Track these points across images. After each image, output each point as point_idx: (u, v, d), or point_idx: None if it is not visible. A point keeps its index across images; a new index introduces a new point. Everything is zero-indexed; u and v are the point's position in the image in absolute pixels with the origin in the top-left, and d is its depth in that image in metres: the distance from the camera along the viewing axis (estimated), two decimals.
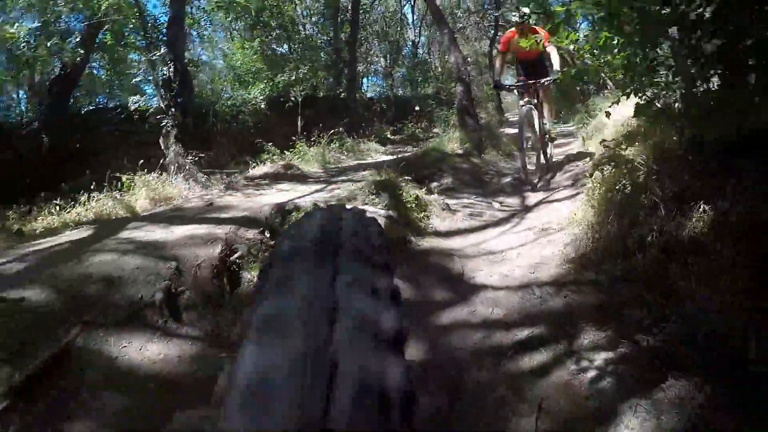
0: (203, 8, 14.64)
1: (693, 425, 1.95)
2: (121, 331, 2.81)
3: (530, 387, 2.42)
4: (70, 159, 10.37)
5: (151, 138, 10.08)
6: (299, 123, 12.33)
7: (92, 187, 7.03)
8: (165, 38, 9.54)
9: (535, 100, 6.95)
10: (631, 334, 2.51)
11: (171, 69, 8.47)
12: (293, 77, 13.49)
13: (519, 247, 4.14)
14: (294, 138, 11.36)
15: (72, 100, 12.50)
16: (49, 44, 10.20)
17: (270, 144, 10.40)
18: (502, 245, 4.36)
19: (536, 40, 5.59)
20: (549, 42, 6.17)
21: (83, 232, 4.91)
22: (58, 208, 6.84)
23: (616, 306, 2.76)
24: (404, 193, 5.32)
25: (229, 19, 15.29)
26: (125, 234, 4.33)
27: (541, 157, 7.25)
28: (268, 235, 4.09)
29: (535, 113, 6.84)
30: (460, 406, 2.39)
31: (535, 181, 6.94)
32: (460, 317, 3.19)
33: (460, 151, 9.09)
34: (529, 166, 6.91)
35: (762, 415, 1.92)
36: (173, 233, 4.17)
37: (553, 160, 7.72)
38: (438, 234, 4.83)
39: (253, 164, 9.38)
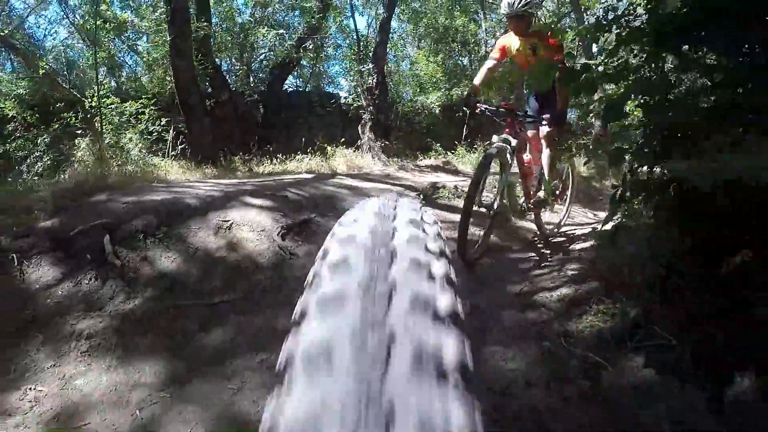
0: (402, 37, 17.56)
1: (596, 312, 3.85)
2: (330, 218, 5.19)
3: (524, 273, 4.42)
4: (276, 126, 13.57)
5: (336, 122, 13.18)
6: (464, 131, 14.64)
7: (308, 150, 10.06)
8: (372, 56, 12.46)
9: (515, 141, 4.52)
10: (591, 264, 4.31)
11: (375, 79, 11.53)
12: (467, 91, 15.58)
13: (579, 234, 6.14)
14: (457, 143, 13.55)
15: None
16: (287, 45, 13.34)
17: (438, 144, 12.95)
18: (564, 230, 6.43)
19: (531, 48, 4.54)
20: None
21: (305, 176, 7.63)
22: (277, 159, 9.82)
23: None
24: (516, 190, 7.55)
25: (419, 34, 18.11)
26: (336, 180, 6.96)
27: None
28: (421, 197, 6.38)
29: (510, 158, 4.49)
30: (498, 269, 4.52)
31: (471, 257, 4.41)
32: (525, 250, 5.33)
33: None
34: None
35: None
36: (365, 184, 6.74)
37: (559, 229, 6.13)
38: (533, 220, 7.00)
39: (421, 157, 12.04)
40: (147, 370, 2.99)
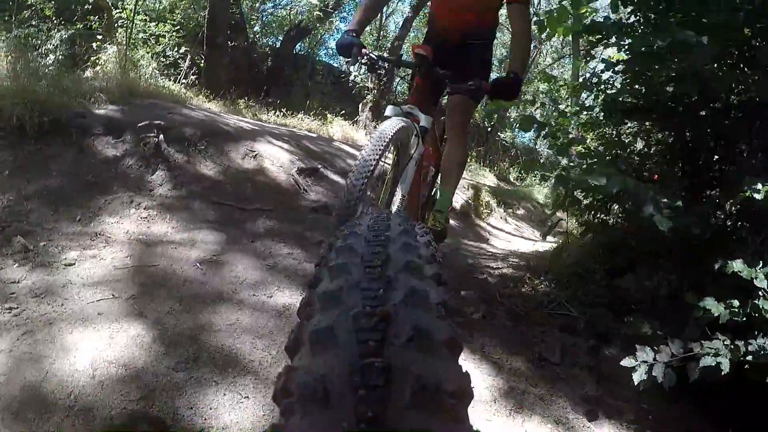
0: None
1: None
2: (333, 171, 6.01)
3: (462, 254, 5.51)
4: (278, 82, 14.25)
5: (331, 92, 14.10)
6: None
7: (310, 112, 10.84)
8: (390, 47, 13.29)
9: (427, 119, 2.74)
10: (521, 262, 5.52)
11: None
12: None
13: (518, 239, 7.25)
14: None
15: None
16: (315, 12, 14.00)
17: None
18: (513, 240, 7.53)
19: None
20: None
21: (309, 134, 8.42)
22: (280, 113, 10.53)
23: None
24: (483, 199, 8.67)
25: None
26: (335, 144, 7.84)
27: None
28: None
29: (416, 144, 2.66)
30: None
31: None
32: (481, 245, 6.34)
33: None
34: None
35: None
36: (358, 151, 7.65)
37: None
38: (489, 223, 8.10)
39: None
40: (200, 238, 3.82)
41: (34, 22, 10.94)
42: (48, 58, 9.74)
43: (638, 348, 2.61)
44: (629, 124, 4.34)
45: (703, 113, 3.68)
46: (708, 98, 3.49)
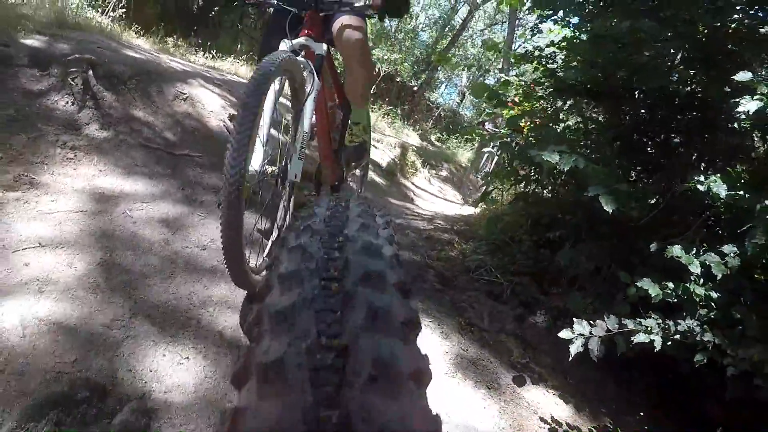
0: None
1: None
2: None
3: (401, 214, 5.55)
4: (206, 21, 13.47)
5: (258, 37, 13.36)
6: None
7: (241, 56, 10.32)
8: None
9: (324, 47, 2.63)
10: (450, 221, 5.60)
11: None
12: None
13: (441, 201, 7.33)
14: None
15: None
16: None
17: None
18: (436, 201, 7.58)
19: None
20: None
21: (239, 80, 8.10)
22: (210, 54, 10.10)
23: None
24: (409, 158, 8.66)
25: None
26: None
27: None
28: None
29: (311, 76, 2.47)
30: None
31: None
32: (407, 204, 6.35)
33: None
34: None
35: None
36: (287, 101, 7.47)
37: None
38: (414, 183, 8.10)
39: None
40: (129, 183, 3.63)
41: None
42: None
43: (575, 321, 2.72)
44: (569, 102, 4.39)
45: (648, 102, 3.86)
46: (661, 90, 3.62)
